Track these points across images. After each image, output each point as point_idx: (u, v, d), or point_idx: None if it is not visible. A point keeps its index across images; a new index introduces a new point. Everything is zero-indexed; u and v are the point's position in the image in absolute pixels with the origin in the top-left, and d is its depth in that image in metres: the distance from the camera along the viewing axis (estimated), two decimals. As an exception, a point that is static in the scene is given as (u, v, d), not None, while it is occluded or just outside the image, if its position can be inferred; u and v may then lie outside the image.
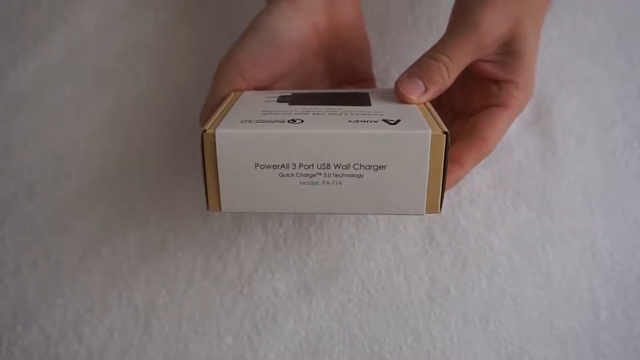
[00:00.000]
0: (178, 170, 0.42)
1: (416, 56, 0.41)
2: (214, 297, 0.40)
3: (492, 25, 0.32)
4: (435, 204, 0.28)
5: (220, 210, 0.28)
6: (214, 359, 0.39)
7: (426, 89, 0.31)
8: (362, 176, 0.28)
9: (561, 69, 0.42)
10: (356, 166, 0.28)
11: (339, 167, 0.28)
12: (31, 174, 0.42)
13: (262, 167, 0.28)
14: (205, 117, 0.34)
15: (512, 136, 0.42)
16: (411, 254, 0.40)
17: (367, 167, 0.28)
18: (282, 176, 0.28)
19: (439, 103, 0.37)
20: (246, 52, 0.34)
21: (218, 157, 0.27)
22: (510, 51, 0.33)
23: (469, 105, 0.36)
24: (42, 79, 0.44)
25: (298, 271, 0.40)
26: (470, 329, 0.38)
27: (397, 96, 0.31)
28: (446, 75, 0.32)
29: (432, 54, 0.32)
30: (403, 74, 0.32)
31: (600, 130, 0.41)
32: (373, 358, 0.38)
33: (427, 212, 0.28)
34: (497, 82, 0.34)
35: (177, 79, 0.44)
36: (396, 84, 0.31)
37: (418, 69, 0.32)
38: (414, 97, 0.31)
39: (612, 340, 0.38)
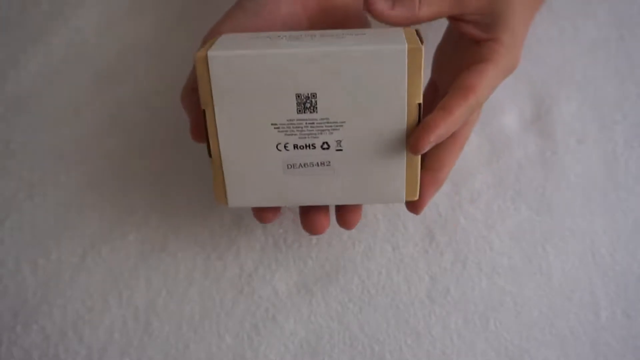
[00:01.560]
0: (178, 170, 0.42)
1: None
2: (214, 297, 0.40)
3: None
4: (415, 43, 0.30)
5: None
6: (214, 359, 0.39)
7: (393, 6, 0.31)
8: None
9: (561, 69, 0.42)
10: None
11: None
12: (31, 174, 0.42)
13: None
14: (186, 91, 0.34)
15: (512, 136, 0.42)
16: (411, 254, 0.40)
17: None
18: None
19: (434, 90, 0.37)
20: (231, 24, 0.34)
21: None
22: (492, 12, 0.33)
23: (456, 71, 0.35)
24: (42, 79, 0.44)
25: (298, 271, 0.40)
26: (470, 329, 0.38)
27: (363, 8, 0.32)
28: (417, 3, 0.31)
29: None
30: None
31: (600, 130, 0.41)
32: (373, 358, 0.38)
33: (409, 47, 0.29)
34: (478, 42, 0.34)
35: (177, 79, 0.44)
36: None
37: None
38: (378, 7, 0.31)
39: (612, 340, 0.38)
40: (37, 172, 0.42)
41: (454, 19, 0.34)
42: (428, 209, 0.41)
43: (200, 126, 0.34)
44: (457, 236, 0.40)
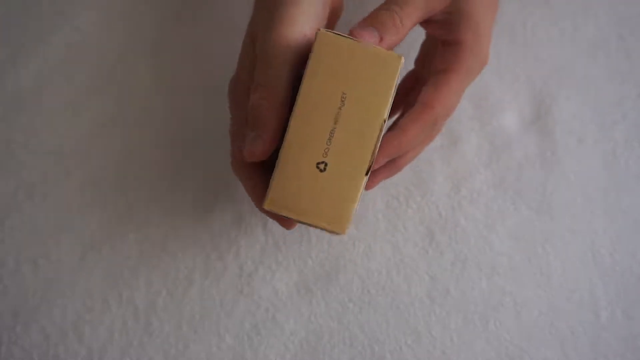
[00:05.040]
0: (178, 170, 0.42)
1: (416, 55, 0.41)
2: (214, 297, 0.40)
3: None
4: None
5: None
6: (214, 359, 0.39)
7: (381, 38, 0.31)
8: None
9: (561, 69, 0.42)
10: None
11: None
12: (31, 173, 0.42)
13: None
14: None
15: (512, 136, 0.42)
16: (411, 254, 0.40)
17: None
18: None
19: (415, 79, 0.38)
20: (300, 25, 0.32)
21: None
22: (455, 10, 0.33)
23: (427, 74, 0.36)
24: (42, 79, 0.44)
25: (298, 271, 0.40)
26: (470, 329, 0.38)
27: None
28: (399, 23, 0.32)
29: (383, 6, 0.32)
30: (356, 25, 0.32)
31: (600, 130, 0.41)
32: (373, 358, 0.38)
33: None
34: (443, 46, 0.35)
35: (177, 79, 0.44)
36: (350, 34, 0.31)
37: (371, 19, 0.32)
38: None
39: (612, 340, 0.38)
40: (37, 172, 0.42)
41: (423, 23, 0.35)
42: (428, 209, 0.41)
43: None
44: (457, 236, 0.40)
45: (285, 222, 0.34)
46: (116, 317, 0.39)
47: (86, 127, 0.43)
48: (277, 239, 0.40)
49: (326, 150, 0.29)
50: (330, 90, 0.29)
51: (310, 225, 0.29)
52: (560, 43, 0.43)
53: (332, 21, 0.36)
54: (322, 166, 0.29)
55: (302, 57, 0.32)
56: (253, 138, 0.31)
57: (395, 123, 0.35)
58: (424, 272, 0.39)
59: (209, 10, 0.45)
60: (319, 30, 0.29)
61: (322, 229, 0.29)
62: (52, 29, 0.45)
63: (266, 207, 0.29)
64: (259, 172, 0.33)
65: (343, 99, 0.29)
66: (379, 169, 0.35)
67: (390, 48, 0.32)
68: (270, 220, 0.41)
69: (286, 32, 0.31)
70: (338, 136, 0.29)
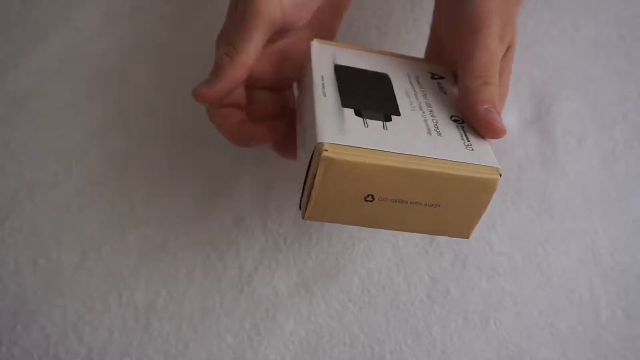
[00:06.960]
0: (178, 170, 0.42)
1: (417, 56, 0.41)
2: (214, 297, 0.40)
3: None
4: None
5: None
6: (214, 358, 0.39)
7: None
8: None
9: (561, 68, 0.42)
10: None
11: None
12: (31, 174, 0.42)
13: None
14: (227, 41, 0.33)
15: (512, 136, 0.42)
16: (411, 254, 0.40)
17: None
18: None
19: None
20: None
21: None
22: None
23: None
24: (42, 78, 0.44)
25: (298, 271, 0.40)
26: (470, 328, 0.38)
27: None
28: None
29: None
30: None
31: (600, 130, 0.41)
32: (373, 358, 0.38)
33: None
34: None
35: (177, 79, 0.44)
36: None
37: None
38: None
39: (612, 340, 0.38)
40: (37, 172, 0.42)
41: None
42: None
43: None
44: (457, 236, 0.40)
45: None
46: (116, 317, 0.39)
47: (86, 127, 0.43)
48: (277, 239, 0.40)
49: None
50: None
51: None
52: (560, 43, 0.43)
53: (337, 14, 0.36)
54: None
55: (277, 25, 0.33)
56: (206, 80, 0.33)
57: None
58: (424, 272, 0.39)
59: (210, 9, 0.45)
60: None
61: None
62: (52, 29, 0.45)
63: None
64: (231, 115, 0.35)
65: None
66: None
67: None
68: (270, 220, 0.41)
69: (261, 1, 0.33)
70: None
